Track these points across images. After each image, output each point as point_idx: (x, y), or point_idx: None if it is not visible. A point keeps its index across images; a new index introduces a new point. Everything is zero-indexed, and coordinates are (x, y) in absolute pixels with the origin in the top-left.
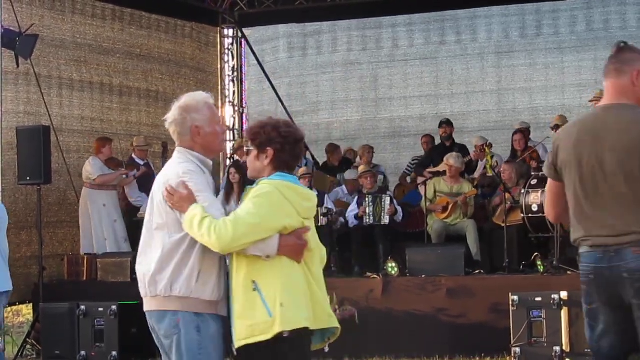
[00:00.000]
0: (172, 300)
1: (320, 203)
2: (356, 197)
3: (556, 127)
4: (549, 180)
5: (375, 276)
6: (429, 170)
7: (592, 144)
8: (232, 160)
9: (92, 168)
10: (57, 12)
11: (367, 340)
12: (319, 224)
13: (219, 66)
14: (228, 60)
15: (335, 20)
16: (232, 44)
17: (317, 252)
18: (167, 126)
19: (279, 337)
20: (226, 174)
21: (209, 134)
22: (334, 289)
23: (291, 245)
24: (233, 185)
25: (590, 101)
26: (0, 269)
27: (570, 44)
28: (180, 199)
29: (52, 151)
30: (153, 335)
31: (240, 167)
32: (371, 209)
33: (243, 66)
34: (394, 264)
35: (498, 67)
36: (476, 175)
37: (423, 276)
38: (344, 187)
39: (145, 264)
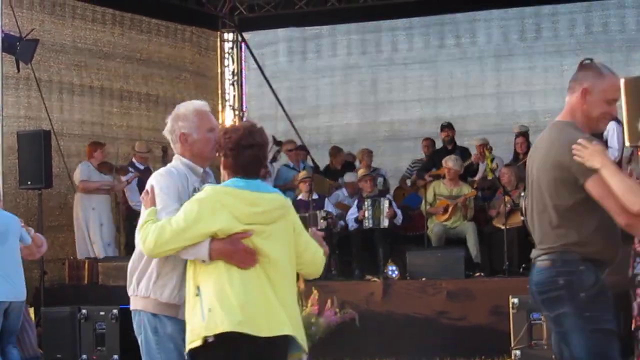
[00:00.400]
0: (138, 300)
1: (320, 207)
2: (356, 201)
3: None
4: None
5: (375, 279)
6: (434, 173)
7: (529, 161)
8: None
9: (80, 173)
10: (58, 17)
11: (367, 343)
12: (319, 227)
13: (219, 70)
14: (228, 64)
15: (334, 24)
16: (232, 48)
17: (281, 259)
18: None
19: (208, 343)
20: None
21: (197, 140)
22: (334, 292)
23: (222, 250)
24: None
25: None
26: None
27: (569, 47)
28: (145, 202)
29: (52, 155)
30: None
31: None
32: (370, 212)
33: (243, 70)
34: (394, 267)
35: (497, 71)
36: (477, 178)
37: (423, 279)
38: (344, 189)
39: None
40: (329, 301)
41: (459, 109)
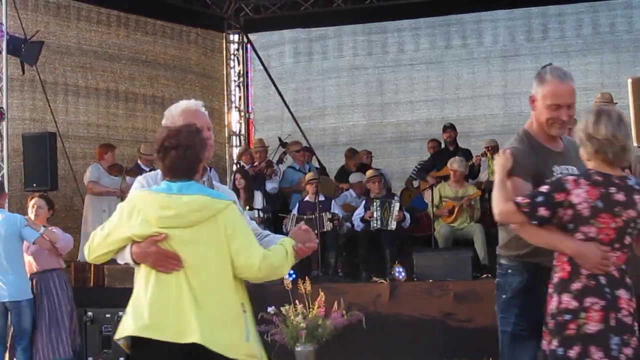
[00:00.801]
0: None
1: (327, 208)
2: (364, 201)
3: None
4: None
5: (382, 281)
6: (433, 174)
7: None
8: (237, 166)
9: (90, 175)
10: (63, 19)
11: (374, 345)
12: (325, 229)
13: (224, 72)
14: (234, 66)
15: (340, 25)
16: (238, 50)
17: (204, 265)
18: None
19: (131, 346)
20: (232, 179)
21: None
22: (340, 294)
23: (137, 253)
24: (239, 190)
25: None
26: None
27: (576, 47)
28: None
29: (58, 157)
30: None
31: (246, 173)
32: (379, 213)
33: (249, 71)
34: (401, 269)
35: (504, 71)
36: (478, 180)
37: (430, 281)
38: (351, 190)
39: None
40: (335, 303)
41: (465, 109)
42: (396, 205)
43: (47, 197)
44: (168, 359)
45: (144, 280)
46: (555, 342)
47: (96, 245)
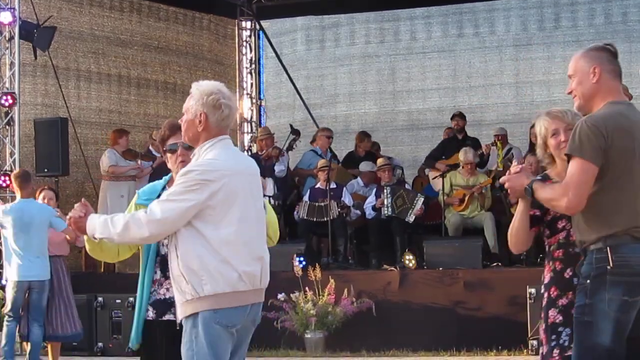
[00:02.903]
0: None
1: (339, 195)
2: (374, 189)
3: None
4: (589, 165)
5: (392, 269)
6: (445, 162)
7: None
8: (249, 153)
9: (108, 160)
10: (75, 4)
11: (384, 332)
12: (332, 217)
13: (236, 58)
14: (246, 53)
15: (353, 13)
16: (250, 37)
17: None
18: (234, 114)
19: None
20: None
21: None
22: (350, 282)
23: None
24: None
25: None
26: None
27: (588, 36)
28: None
29: (69, 143)
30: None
31: (256, 159)
32: (389, 200)
33: (261, 58)
34: (411, 257)
35: (516, 60)
36: (486, 169)
37: (440, 269)
38: (359, 179)
39: (265, 256)
40: (345, 290)
41: (477, 98)
42: (420, 201)
43: (54, 189)
44: None
45: None
46: None
47: None
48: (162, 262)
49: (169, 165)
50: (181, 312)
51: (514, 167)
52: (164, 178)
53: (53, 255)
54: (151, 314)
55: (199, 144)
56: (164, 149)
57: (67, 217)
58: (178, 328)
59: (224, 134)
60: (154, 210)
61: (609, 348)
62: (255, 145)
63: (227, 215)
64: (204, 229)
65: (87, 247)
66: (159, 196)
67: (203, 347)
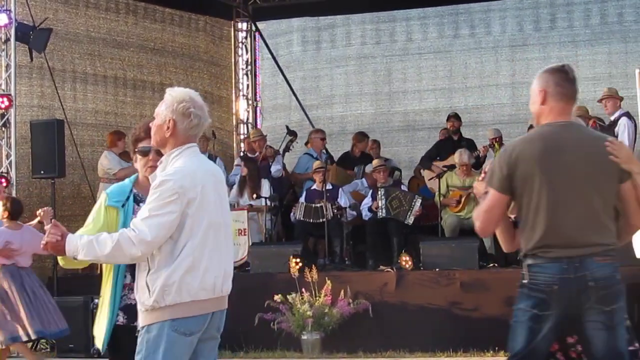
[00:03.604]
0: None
1: (334, 197)
2: (371, 191)
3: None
4: (495, 194)
5: (389, 270)
6: (442, 164)
7: (559, 155)
8: (242, 154)
9: (110, 162)
10: (71, 6)
11: (380, 333)
12: (326, 217)
13: (232, 60)
14: (242, 54)
15: (348, 14)
16: (246, 38)
17: None
18: (207, 122)
19: None
20: (234, 166)
21: None
22: (347, 283)
23: None
24: (245, 178)
25: (599, 101)
26: None
27: (584, 37)
28: None
29: (66, 145)
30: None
31: (249, 161)
32: (383, 202)
33: (257, 60)
34: (407, 258)
35: (512, 61)
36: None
37: (437, 270)
38: (364, 179)
39: (229, 263)
40: (342, 291)
41: (473, 99)
42: (418, 202)
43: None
44: None
45: None
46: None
47: None
48: (132, 267)
49: (137, 166)
50: (141, 321)
51: (482, 174)
52: (129, 179)
53: (21, 267)
54: (121, 318)
55: (165, 149)
56: (135, 149)
57: (43, 242)
58: (136, 334)
59: (191, 142)
60: (141, 229)
61: (519, 352)
62: (243, 145)
63: (199, 223)
64: (178, 238)
65: (61, 263)
66: (127, 198)
67: (158, 354)
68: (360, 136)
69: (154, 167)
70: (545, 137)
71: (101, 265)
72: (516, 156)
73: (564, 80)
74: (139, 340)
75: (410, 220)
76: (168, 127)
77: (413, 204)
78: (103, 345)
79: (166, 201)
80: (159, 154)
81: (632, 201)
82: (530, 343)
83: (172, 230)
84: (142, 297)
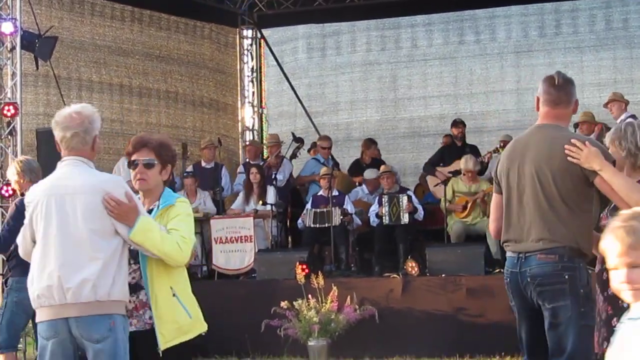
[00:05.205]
0: (110, 305)
1: (340, 203)
2: (377, 197)
3: (576, 126)
4: (493, 194)
5: (395, 276)
6: (447, 170)
7: (513, 159)
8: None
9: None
10: (76, 14)
11: (386, 339)
12: (334, 224)
13: (238, 67)
14: (247, 61)
15: (354, 21)
16: (251, 45)
17: None
18: (67, 133)
19: (198, 337)
20: (247, 173)
21: (99, 145)
22: (353, 289)
23: (192, 255)
24: (253, 185)
25: (605, 105)
26: None
27: (589, 43)
28: (128, 210)
29: None
30: (56, 343)
31: (261, 168)
32: (387, 209)
33: (262, 67)
34: (413, 264)
35: (517, 67)
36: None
37: (443, 275)
38: (364, 186)
39: (77, 270)
40: (348, 298)
41: (478, 105)
42: (404, 198)
43: None
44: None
45: (187, 277)
46: None
47: (191, 248)
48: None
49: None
50: None
51: None
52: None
53: None
54: None
55: None
56: (128, 162)
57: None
58: None
59: (64, 156)
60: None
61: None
62: (243, 152)
63: (38, 232)
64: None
65: None
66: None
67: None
68: (368, 143)
69: (141, 180)
70: (518, 139)
71: None
72: (500, 158)
73: (550, 86)
74: None
75: (405, 219)
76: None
77: (400, 202)
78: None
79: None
80: (148, 167)
81: (611, 193)
82: (518, 332)
83: (25, 237)
84: None
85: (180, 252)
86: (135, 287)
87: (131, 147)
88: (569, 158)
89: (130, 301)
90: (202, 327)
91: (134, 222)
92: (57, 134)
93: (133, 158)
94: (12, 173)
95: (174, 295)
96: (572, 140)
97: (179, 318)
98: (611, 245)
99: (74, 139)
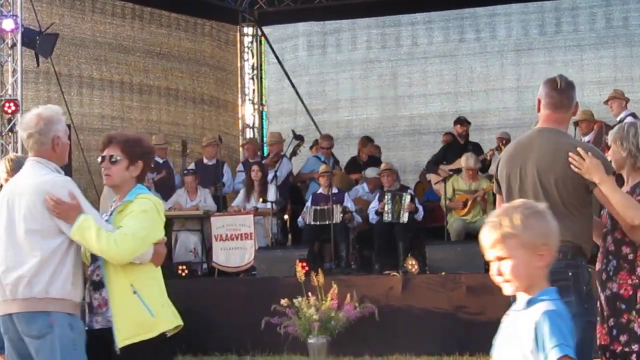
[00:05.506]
0: (47, 302)
1: (340, 201)
2: (377, 194)
3: (575, 124)
4: (496, 195)
5: (395, 273)
6: (448, 167)
7: (516, 160)
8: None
9: None
10: (77, 11)
11: (386, 337)
12: (334, 222)
13: (238, 64)
14: (248, 59)
15: (354, 18)
16: (252, 42)
17: None
18: (24, 134)
19: (161, 335)
20: (247, 171)
21: (65, 144)
22: (353, 287)
23: (160, 254)
24: (254, 182)
25: (605, 102)
26: None
27: (589, 41)
28: (69, 209)
29: (72, 150)
30: (7, 339)
31: (263, 166)
32: (390, 206)
33: (263, 64)
34: (413, 262)
35: (517, 65)
36: (491, 172)
37: (443, 273)
38: (365, 184)
39: (15, 267)
40: (348, 295)
41: (479, 103)
42: (407, 198)
43: None
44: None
45: (158, 275)
46: None
47: (138, 246)
48: None
49: None
50: None
51: None
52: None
53: None
54: None
55: None
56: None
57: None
58: None
59: (29, 157)
60: None
61: None
62: (242, 150)
63: None
64: None
65: None
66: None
67: None
68: (365, 140)
69: (106, 175)
70: (518, 142)
71: None
72: (500, 159)
73: (552, 90)
74: None
75: (404, 218)
76: None
77: (403, 200)
78: None
79: None
80: (113, 163)
81: (608, 206)
82: None
83: None
84: None
85: (116, 250)
86: (98, 285)
87: (102, 144)
88: (571, 166)
89: (95, 298)
90: (166, 326)
91: (75, 221)
92: (20, 135)
93: (102, 154)
94: (1, 171)
95: (134, 292)
96: (578, 149)
97: (138, 315)
98: (483, 239)
99: (29, 140)
